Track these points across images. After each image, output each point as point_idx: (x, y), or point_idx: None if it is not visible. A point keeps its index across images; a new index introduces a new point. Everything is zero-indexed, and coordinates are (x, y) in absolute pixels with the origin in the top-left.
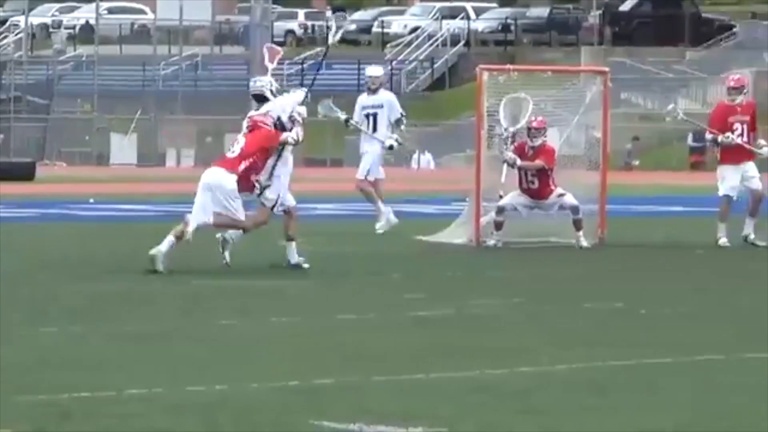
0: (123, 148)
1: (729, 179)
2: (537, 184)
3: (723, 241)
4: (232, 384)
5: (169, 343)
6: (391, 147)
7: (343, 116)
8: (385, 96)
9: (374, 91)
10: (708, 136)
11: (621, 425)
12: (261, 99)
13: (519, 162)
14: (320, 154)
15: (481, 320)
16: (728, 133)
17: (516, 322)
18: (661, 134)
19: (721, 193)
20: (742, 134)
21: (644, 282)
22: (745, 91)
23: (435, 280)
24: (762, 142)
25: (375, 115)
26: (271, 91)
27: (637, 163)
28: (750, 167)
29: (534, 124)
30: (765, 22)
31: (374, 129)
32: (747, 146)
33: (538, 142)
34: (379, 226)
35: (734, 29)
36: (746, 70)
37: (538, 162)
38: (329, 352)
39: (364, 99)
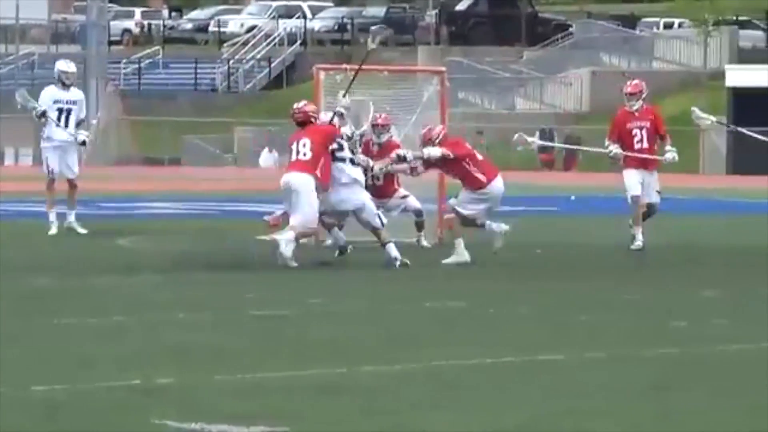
0: None
1: (631, 180)
2: (382, 181)
3: (638, 244)
4: (73, 384)
5: (9, 342)
6: (83, 143)
7: (40, 108)
8: (79, 94)
9: (68, 87)
10: (606, 149)
11: (465, 424)
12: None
13: (372, 164)
14: (159, 153)
15: (320, 319)
16: (611, 146)
17: (357, 321)
18: (502, 132)
19: (628, 197)
20: (641, 140)
21: (485, 282)
22: (643, 96)
23: (275, 279)
24: (668, 147)
25: (69, 111)
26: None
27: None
28: (652, 177)
29: (379, 121)
30: (600, 21)
31: (66, 125)
32: (643, 155)
33: (383, 138)
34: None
35: (570, 29)
36: (583, 70)
37: (388, 160)
38: (170, 351)
39: (56, 93)
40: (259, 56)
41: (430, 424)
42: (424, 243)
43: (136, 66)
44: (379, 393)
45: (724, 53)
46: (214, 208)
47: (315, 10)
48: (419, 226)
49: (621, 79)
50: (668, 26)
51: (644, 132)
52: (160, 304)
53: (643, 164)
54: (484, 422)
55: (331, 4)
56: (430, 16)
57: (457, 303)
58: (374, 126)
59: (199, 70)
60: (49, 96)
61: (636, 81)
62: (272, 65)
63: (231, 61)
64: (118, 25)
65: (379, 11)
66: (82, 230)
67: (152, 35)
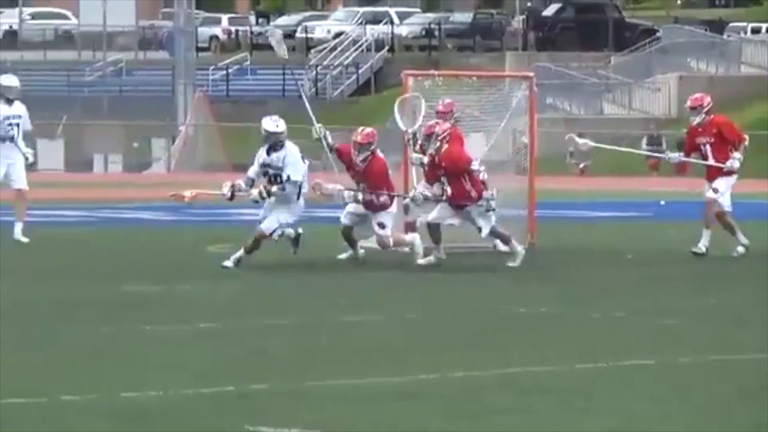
0: (50, 153)
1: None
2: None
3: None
4: (166, 390)
5: (99, 351)
6: (33, 164)
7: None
8: (22, 108)
9: (11, 102)
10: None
11: (552, 429)
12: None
13: (425, 160)
14: (248, 159)
15: (407, 324)
16: (673, 153)
17: (442, 326)
18: (598, 138)
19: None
20: (707, 157)
21: (572, 286)
22: (704, 110)
23: (366, 285)
24: (735, 154)
25: (18, 125)
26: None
27: (582, 165)
28: (715, 183)
29: (441, 108)
30: (687, 26)
31: (16, 141)
32: (708, 163)
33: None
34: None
35: (658, 34)
36: (671, 75)
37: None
38: (262, 358)
39: (3, 110)
40: (347, 62)
41: (516, 429)
42: (501, 248)
43: (224, 72)
44: (464, 399)
45: None
46: (305, 214)
47: (402, 16)
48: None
49: (709, 85)
50: (756, 31)
51: (708, 147)
52: (252, 310)
53: (708, 176)
54: (571, 427)
55: (418, 9)
56: (518, 21)
57: (545, 308)
58: (437, 113)
59: (286, 77)
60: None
61: (698, 95)
62: (360, 71)
63: (318, 67)
64: (205, 32)
65: (467, 17)
66: (24, 239)
67: (239, 41)
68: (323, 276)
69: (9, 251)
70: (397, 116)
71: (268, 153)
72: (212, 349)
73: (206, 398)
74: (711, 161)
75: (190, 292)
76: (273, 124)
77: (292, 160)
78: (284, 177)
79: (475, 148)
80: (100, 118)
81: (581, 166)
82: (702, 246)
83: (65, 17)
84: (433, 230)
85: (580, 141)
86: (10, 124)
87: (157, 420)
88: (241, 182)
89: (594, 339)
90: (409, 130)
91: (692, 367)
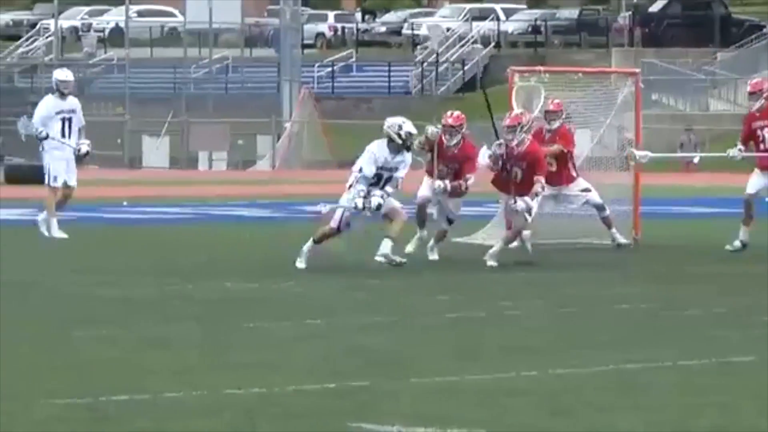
0: (155, 151)
1: (751, 180)
2: (556, 168)
3: (736, 244)
4: (268, 387)
5: (201, 347)
6: (87, 153)
7: (41, 132)
8: (76, 102)
9: (65, 96)
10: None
11: (657, 425)
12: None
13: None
14: (353, 156)
15: (512, 322)
16: (730, 151)
17: (543, 323)
18: (698, 134)
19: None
20: (764, 140)
21: (673, 284)
22: (765, 95)
23: (468, 282)
24: None
25: (70, 120)
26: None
27: (696, 160)
28: None
29: (551, 107)
30: None
31: (69, 134)
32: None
33: (555, 125)
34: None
35: (764, 30)
36: None
37: (557, 146)
38: (364, 355)
39: (57, 103)
40: (453, 59)
41: (620, 425)
42: (621, 240)
43: (330, 69)
44: (567, 395)
45: None
46: (407, 211)
47: (508, 13)
48: (607, 223)
49: None
50: None
51: (766, 132)
52: (353, 307)
53: (764, 165)
54: (675, 424)
55: (524, 6)
56: (624, 17)
57: (646, 305)
58: (546, 112)
59: (392, 73)
60: (52, 106)
61: (757, 80)
62: (466, 68)
63: (424, 64)
64: (311, 29)
65: (573, 13)
66: (62, 234)
67: (345, 38)
68: (421, 273)
69: (108, 249)
70: (514, 104)
71: (393, 155)
72: (314, 346)
73: (308, 395)
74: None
75: (292, 289)
76: (412, 126)
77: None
78: (398, 176)
79: (581, 144)
80: (205, 116)
81: (694, 161)
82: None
83: (171, 15)
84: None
85: (640, 153)
86: (63, 119)
87: (259, 417)
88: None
89: (696, 335)
90: (527, 119)
91: None
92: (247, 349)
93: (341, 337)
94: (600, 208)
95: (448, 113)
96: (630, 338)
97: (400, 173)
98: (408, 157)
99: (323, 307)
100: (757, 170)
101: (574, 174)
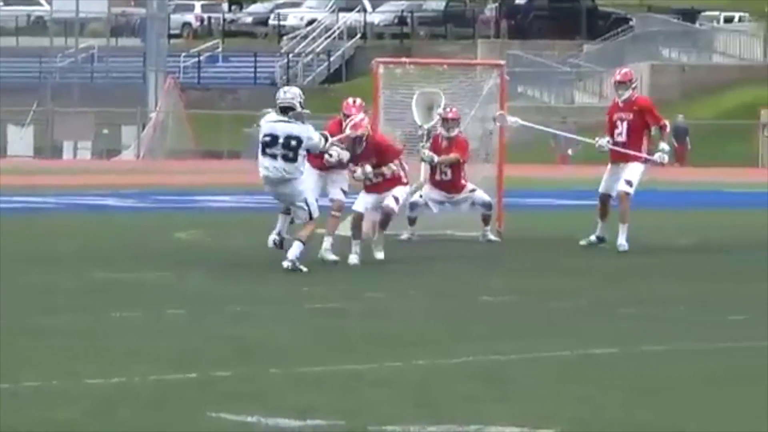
0: (19, 140)
1: (604, 176)
2: (450, 176)
3: (590, 238)
4: (129, 376)
5: (64, 336)
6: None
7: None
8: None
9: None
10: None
11: (521, 417)
12: (288, 110)
13: (437, 159)
14: (217, 146)
15: (378, 313)
16: (599, 140)
17: (411, 315)
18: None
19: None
20: (621, 133)
21: (539, 277)
22: (633, 86)
23: (333, 272)
24: (661, 146)
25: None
26: (300, 104)
27: (571, 152)
28: (625, 169)
29: (450, 115)
30: (660, 15)
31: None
32: (619, 148)
33: (453, 133)
34: None
35: (630, 22)
36: (643, 63)
37: (453, 155)
38: (227, 344)
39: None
40: (318, 50)
41: (485, 416)
42: (491, 237)
43: (196, 59)
44: (433, 386)
45: None
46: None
47: (375, 4)
48: (486, 220)
49: (681, 73)
50: (728, 20)
51: (625, 124)
52: (218, 297)
53: (620, 157)
54: (540, 415)
55: None
56: (490, 9)
57: (511, 297)
58: (444, 120)
59: (258, 64)
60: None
61: (626, 70)
62: (331, 59)
63: (290, 55)
64: (178, 19)
65: (439, 4)
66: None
67: (212, 28)
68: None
69: None
70: (414, 110)
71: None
72: (178, 336)
73: (169, 385)
74: (624, 138)
75: (157, 279)
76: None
77: None
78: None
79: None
80: (70, 105)
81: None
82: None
83: (38, 3)
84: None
85: (511, 119)
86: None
87: (120, 406)
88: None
89: (560, 327)
90: (425, 126)
91: (657, 356)
92: (110, 338)
93: (205, 327)
94: (487, 206)
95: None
96: (496, 330)
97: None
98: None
99: (188, 297)
100: (609, 165)
101: (464, 182)
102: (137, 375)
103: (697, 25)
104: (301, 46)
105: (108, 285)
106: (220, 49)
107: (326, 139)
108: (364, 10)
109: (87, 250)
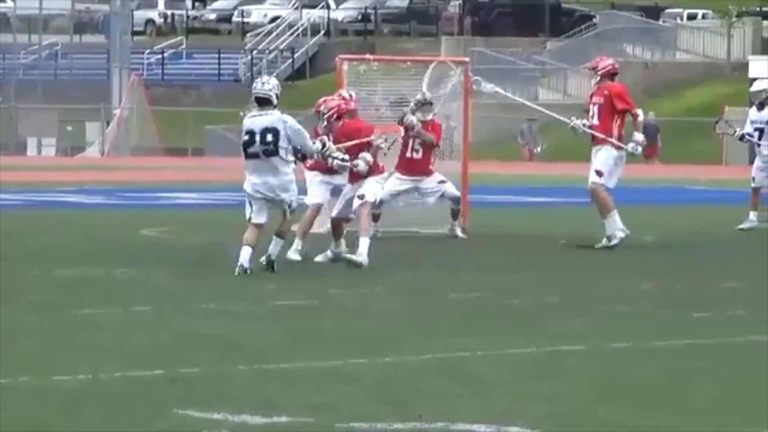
0: None
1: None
2: (420, 156)
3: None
4: (95, 373)
5: (29, 333)
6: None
7: None
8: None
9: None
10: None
11: (487, 414)
12: (265, 103)
13: (418, 128)
14: (181, 143)
15: (344, 309)
16: (574, 119)
17: (378, 311)
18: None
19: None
20: (593, 116)
21: (508, 274)
22: (599, 72)
23: (298, 270)
24: (635, 136)
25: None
26: (277, 95)
27: (539, 149)
28: (595, 156)
29: (427, 98)
30: (624, 12)
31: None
32: (592, 131)
33: (429, 117)
34: None
35: (594, 20)
36: None
37: (430, 135)
38: (193, 341)
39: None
40: (282, 46)
41: (452, 413)
42: (458, 232)
43: (159, 56)
44: (400, 383)
45: (748, 44)
46: (237, 199)
47: (338, 1)
48: (455, 215)
49: (644, 71)
50: (692, 17)
51: (596, 108)
52: (183, 294)
53: (593, 141)
54: (507, 412)
55: None
56: (454, 6)
57: (479, 294)
58: (421, 104)
59: (222, 61)
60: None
61: (601, 58)
62: (295, 56)
63: (254, 52)
64: (141, 15)
65: (403, 1)
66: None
67: (175, 25)
68: (254, 260)
69: None
70: (426, 78)
71: None
72: (143, 333)
73: (135, 382)
74: (595, 121)
75: (123, 276)
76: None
77: None
78: None
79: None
80: (34, 102)
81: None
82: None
83: (1, 0)
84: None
85: (488, 85)
86: None
87: (86, 403)
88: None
89: (526, 324)
90: (426, 96)
91: (624, 352)
92: (75, 335)
93: (170, 323)
94: (456, 200)
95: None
96: (463, 326)
97: None
98: None
99: (153, 294)
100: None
101: (432, 167)
102: (104, 372)
103: (660, 22)
104: (264, 43)
105: (74, 282)
106: (183, 46)
107: (323, 145)
108: (328, 7)
109: (52, 248)
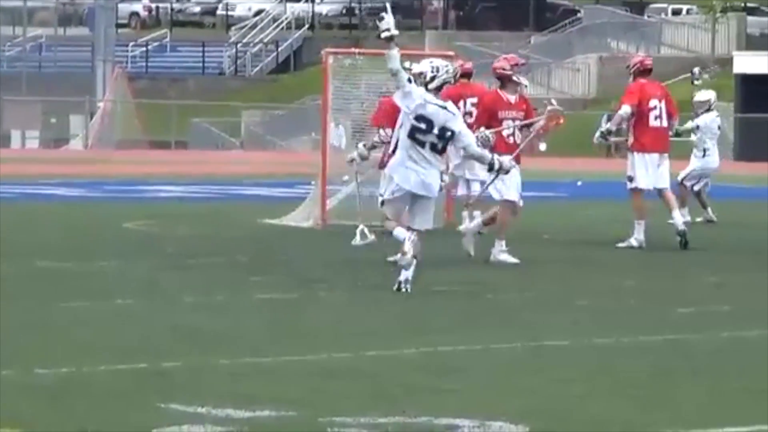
0: None
1: None
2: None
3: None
4: (78, 367)
5: (14, 327)
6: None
7: None
8: None
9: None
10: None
11: (470, 409)
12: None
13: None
14: (165, 136)
15: (326, 304)
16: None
17: (362, 306)
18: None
19: None
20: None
21: (490, 268)
22: (630, 71)
23: (281, 263)
24: (603, 125)
25: None
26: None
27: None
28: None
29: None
30: (608, 7)
31: None
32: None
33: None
34: None
35: (579, 14)
36: (591, 55)
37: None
38: (176, 335)
39: None
40: (266, 40)
41: (436, 408)
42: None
43: (144, 49)
44: (383, 378)
45: (732, 40)
46: (221, 192)
47: None
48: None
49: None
50: (676, 12)
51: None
52: (167, 287)
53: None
54: (489, 407)
55: None
56: (438, 0)
57: (462, 288)
58: None
59: (206, 54)
60: None
61: (633, 54)
62: (279, 49)
63: (239, 45)
64: (125, 8)
65: None
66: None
67: (160, 18)
68: (236, 254)
69: None
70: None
71: None
72: (128, 326)
73: (119, 375)
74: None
75: (106, 269)
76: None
77: None
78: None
79: None
80: (18, 94)
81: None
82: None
83: None
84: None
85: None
86: None
87: (70, 397)
88: None
89: (509, 319)
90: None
91: (607, 348)
92: (59, 328)
93: (154, 317)
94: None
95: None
96: (446, 321)
97: None
98: None
99: (136, 287)
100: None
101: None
102: (87, 365)
103: (645, 17)
104: (249, 36)
105: (56, 275)
106: (168, 39)
107: None
108: (312, 0)
109: (35, 240)
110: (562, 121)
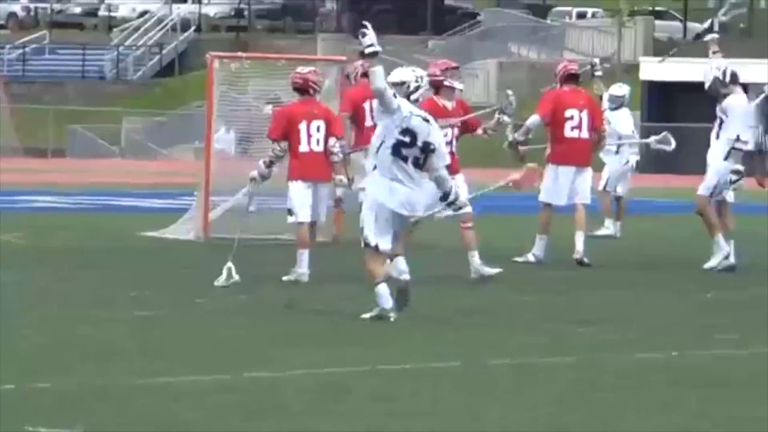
0: None
1: None
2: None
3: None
4: None
5: None
6: None
7: None
8: None
9: None
10: None
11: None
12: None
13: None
14: (42, 143)
15: (205, 320)
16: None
17: (243, 322)
18: None
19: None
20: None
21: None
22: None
23: (161, 278)
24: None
25: None
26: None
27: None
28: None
29: None
30: (510, 10)
31: None
32: None
33: None
34: None
35: (478, 17)
36: (491, 60)
37: None
38: (46, 352)
39: None
40: (150, 42)
41: (318, 429)
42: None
43: (21, 51)
44: (262, 398)
45: (639, 45)
46: (99, 203)
47: None
48: None
49: (530, 71)
50: (581, 16)
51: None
52: (37, 303)
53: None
54: (369, 427)
55: None
56: (331, 2)
57: (342, 307)
58: None
59: (87, 57)
60: None
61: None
62: (164, 52)
63: (121, 48)
64: (3, 8)
65: None
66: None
67: (38, 19)
68: (119, 268)
69: None
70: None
71: None
72: None
73: None
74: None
75: None
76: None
77: None
78: None
79: None
80: None
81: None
82: None
83: None
84: None
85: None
86: None
87: None
88: None
89: (394, 340)
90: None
91: (501, 369)
92: None
93: (22, 335)
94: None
95: None
96: (327, 341)
97: None
98: None
99: (7, 300)
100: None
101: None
102: None
103: (548, 21)
104: (132, 39)
105: None
106: (47, 41)
107: None
108: (199, 2)
109: None
110: (536, 184)
